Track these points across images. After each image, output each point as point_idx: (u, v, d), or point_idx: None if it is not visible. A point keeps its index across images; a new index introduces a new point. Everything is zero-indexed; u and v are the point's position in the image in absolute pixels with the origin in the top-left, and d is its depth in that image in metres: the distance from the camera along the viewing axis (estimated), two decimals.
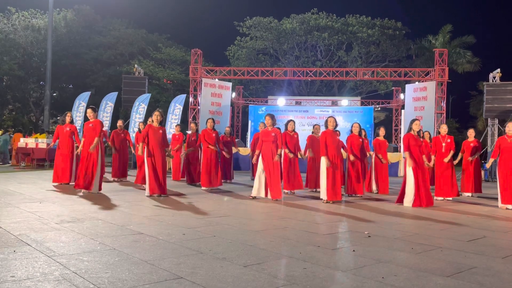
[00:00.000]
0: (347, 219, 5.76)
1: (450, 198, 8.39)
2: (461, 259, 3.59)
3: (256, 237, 4.39)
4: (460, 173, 9.38)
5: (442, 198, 8.35)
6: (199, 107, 18.45)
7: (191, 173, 10.28)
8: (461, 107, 36.18)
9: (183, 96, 18.02)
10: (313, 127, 9.70)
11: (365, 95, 26.64)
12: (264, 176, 7.54)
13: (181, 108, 17.31)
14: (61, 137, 9.17)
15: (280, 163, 7.82)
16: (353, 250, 3.81)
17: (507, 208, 7.10)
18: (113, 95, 17.98)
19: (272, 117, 7.75)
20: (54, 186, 8.78)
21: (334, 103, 23.06)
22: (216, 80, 19.49)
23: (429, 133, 10.34)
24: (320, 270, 3.15)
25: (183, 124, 15.08)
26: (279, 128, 7.93)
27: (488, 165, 7.78)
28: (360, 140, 8.83)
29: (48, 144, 14.44)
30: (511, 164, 7.17)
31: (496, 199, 7.54)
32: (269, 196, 7.52)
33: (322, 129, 7.97)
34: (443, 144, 8.61)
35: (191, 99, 18.76)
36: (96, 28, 31.82)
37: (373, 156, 9.51)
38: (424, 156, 7.43)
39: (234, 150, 11.51)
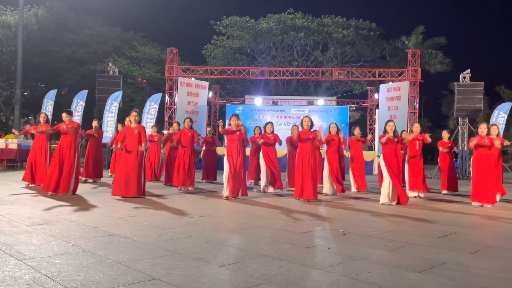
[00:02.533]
0: (322, 217, 5.83)
1: (422, 195, 8.63)
2: (433, 255, 3.69)
3: (232, 236, 4.39)
4: (434, 170, 9.74)
5: (416, 194, 8.57)
6: (175, 107, 18.27)
7: (169, 174, 10.18)
8: (433, 107, 37.25)
9: (159, 95, 17.78)
10: (292, 127, 9.78)
11: (340, 95, 26.98)
12: (228, 174, 7.56)
13: (157, 108, 17.08)
14: (36, 138, 9.00)
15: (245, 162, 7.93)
16: (328, 248, 3.85)
17: (476, 205, 7.31)
18: (84, 94, 17.52)
19: (238, 117, 7.88)
20: (25, 187, 8.54)
21: (310, 103, 23.28)
22: (193, 79, 19.35)
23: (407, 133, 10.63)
24: (295, 268, 3.17)
25: (160, 124, 14.91)
26: (244, 126, 8.10)
27: None
28: (336, 140, 8.95)
29: (18, 145, 14.09)
30: (484, 164, 7.35)
31: (467, 196, 7.75)
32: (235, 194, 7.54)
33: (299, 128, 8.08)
34: (417, 142, 8.83)
35: (167, 99, 18.56)
36: (69, 25, 31.05)
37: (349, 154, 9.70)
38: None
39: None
